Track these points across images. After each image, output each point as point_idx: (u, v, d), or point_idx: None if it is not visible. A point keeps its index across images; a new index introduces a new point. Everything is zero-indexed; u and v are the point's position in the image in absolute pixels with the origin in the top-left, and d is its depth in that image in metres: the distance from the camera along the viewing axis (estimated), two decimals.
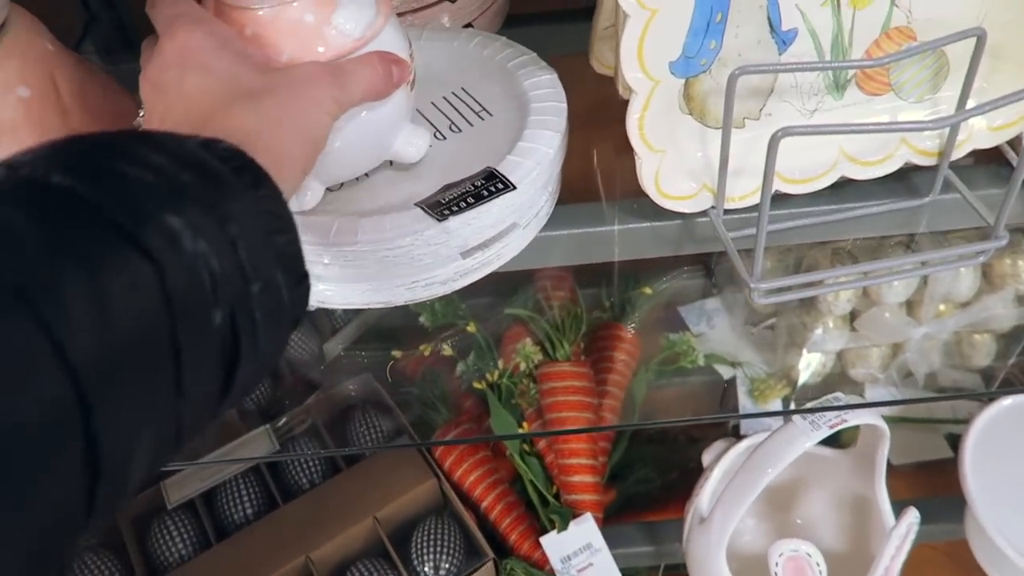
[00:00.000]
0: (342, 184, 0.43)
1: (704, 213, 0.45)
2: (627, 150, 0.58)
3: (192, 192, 0.24)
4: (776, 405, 0.77)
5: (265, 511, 0.69)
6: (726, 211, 0.45)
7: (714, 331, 0.83)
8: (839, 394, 0.58)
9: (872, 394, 0.77)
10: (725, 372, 0.80)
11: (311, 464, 0.71)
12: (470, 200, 0.40)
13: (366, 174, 0.44)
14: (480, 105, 0.49)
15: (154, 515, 0.69)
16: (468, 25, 0.59)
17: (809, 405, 0.56)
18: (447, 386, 0.74)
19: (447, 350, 0.74)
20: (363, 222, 0.40)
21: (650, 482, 0.86)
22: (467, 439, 0.68)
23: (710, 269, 0.80)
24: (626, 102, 0.51)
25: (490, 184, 0.41)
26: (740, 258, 0.43)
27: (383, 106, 0.39)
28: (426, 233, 0.39)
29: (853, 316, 0.71)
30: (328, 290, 0.41)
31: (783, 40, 0.41)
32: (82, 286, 0.20)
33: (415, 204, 0.41)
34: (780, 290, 0.43)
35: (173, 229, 0.22)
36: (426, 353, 0.73)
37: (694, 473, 0.80)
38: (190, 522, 0.68)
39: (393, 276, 0.41)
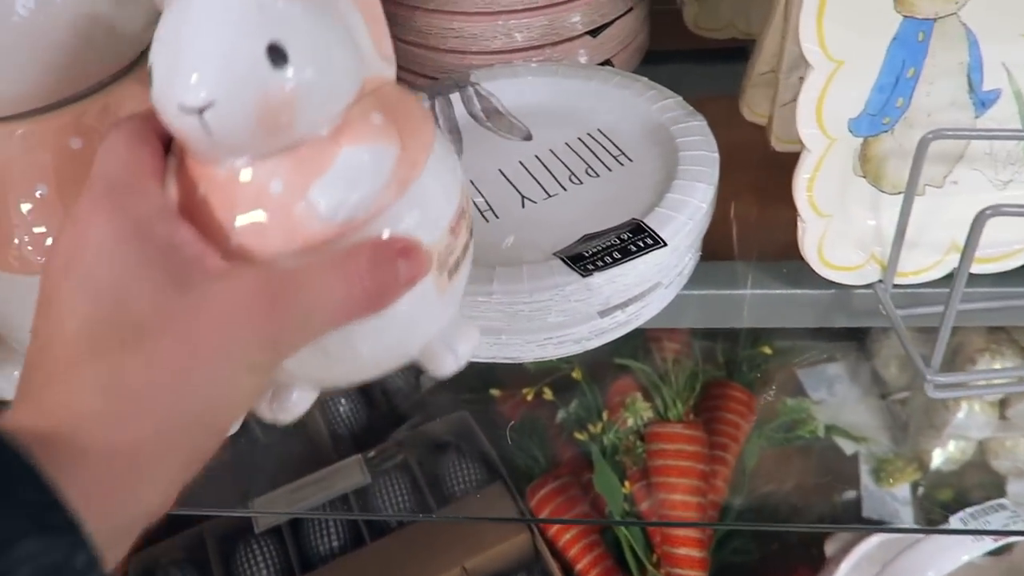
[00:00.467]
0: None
1: (867, 285, 0.41)
2: (776, 205, 0.54)
3: None
4: (904, 490, 0.70)
5: (351, 545, 0.67)
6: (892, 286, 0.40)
7: (835, 399, 0.77)
8: (1004, 501, 0.51)
9: (1015, 489, 0.69)
10: (847, 446, 0.74)
11: (401, 499, 0.69)
12: (616, 255, 0.37)
13: (495, 214, 0.42)
14: (619, 149, 0.46)
15: (240, 537, 0.68)
16: (606, 62, 0.56)
17: (970, 511, 0.50)
18: (546, 433, 0.71)
19: (549, 395, 0.71)
20: (499, 271, 0.37)
21: (747, 554, 0.80)
22: (578, 519, 0.64)
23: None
24: (777, 154, 0.48)
25: (637, 239, 0.38)
26: (910, 341, 0.38)
27: (394, 320, 0.25)
28: (567, 288, 0.36)
29: (1004, 403, 0.64)
30: None
31: (982, 101, 0.37)
32: None
33: (554, 254, 0.38)
34: (956, 385, 0.38)
35: None
36: (528, 398, 0.70)
37: (795, 550, 0.74)
38: (276, 549, 0.67)
39: (524, 331, 0.38)
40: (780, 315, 0.45)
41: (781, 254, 0.48)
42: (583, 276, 0.36)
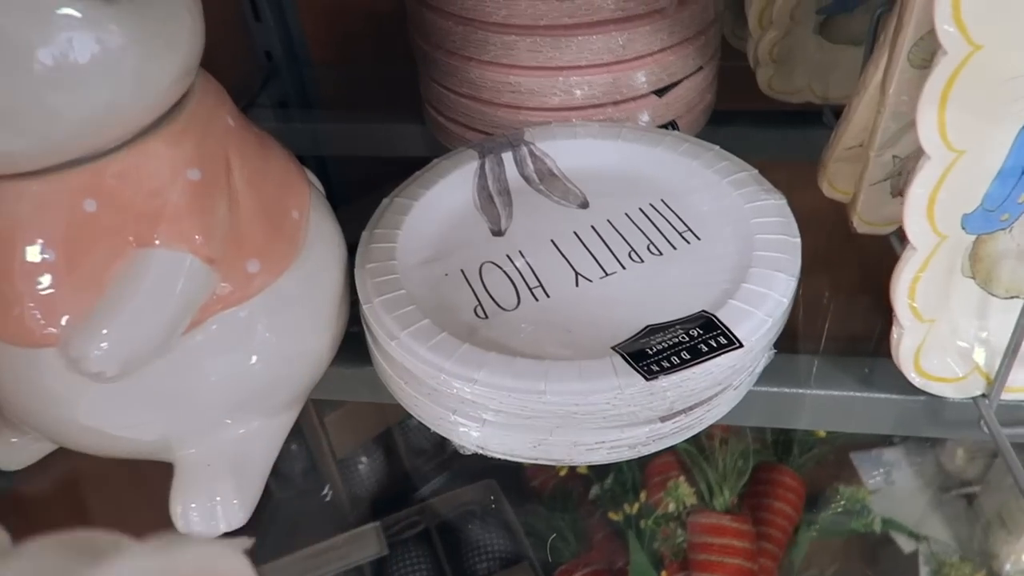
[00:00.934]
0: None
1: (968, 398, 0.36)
2: (854, 291, 0.49)
3: None
4: None
5: None
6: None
7: (893, 488, 0.71)
8: None
9: None
10: (906, 544, 0.68)
11: (418, 573, 0.64)
12: (684, 356, 0.32)
13: (546, 292, 0.37)
14: (686, 225, 0.41)
15: None
16: (671, 123, 0.52)
17: None
18: (578, 510, 0.66)
19: (583, 468, 0.66)
20: (550, 367, 0.32)
21: None
22: None
23: None
24: (858, 236, 0.43)
25: (709, 337, 0.33)
26: (1021, 468, 0.33)
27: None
28: (628, 392, 0.31)
29: None
30: (492, 438, 0.34)
31: None
32: None
33: (614, 349, 0.33)
34: None
35: None
36: (561, 470, 0.65)
37: None
38: None
39: (575, 434, 0.33)
40: (858, 419, 0.40)
41: (858, 346, 0.43)
42: (647, 379, 0.31)
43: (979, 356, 0.35)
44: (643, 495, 0.63)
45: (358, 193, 0.65)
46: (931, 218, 0.31)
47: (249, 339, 0.33)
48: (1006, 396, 0.35)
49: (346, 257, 0.39)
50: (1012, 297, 0.34)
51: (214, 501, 0.33)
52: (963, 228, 0.32)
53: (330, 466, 0.67)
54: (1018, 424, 0.36)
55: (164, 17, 0.29)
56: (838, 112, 0.52)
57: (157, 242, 0.30)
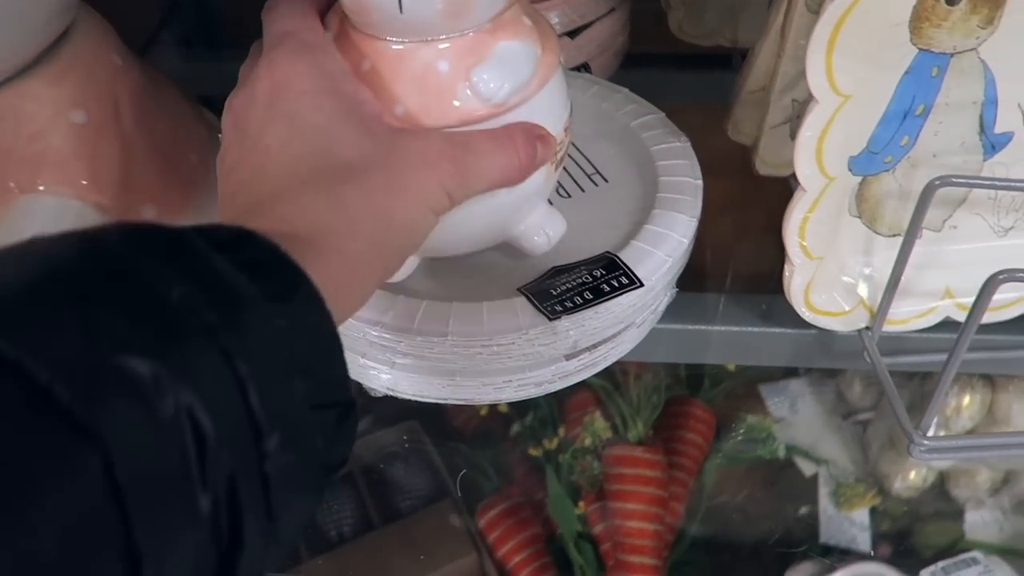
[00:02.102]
0: None
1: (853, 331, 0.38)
2: (755, 230, 0.51)
3: (184, 318, 0.16)
4: (863, 516, 0.69)
5: (288, 563, 0.63)
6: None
7: (797, 417, 0.75)
8: (977, 554, 0.49)
9: (972, 517, 0.68)
10: (807, 467, 0.72)
11: (343, 514, 0.65)
12: (587, 296, 0.33)
13: None
14: (594, 167, 0.42)
15: None
16: (583, 65, 0.52)
17: (942, 565, 0.48)
18: (500, 446, 0.68)
19: (503, 406, 0.67)
20: (455, 308, 0.33)
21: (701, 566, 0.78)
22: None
23: None
24: (761, 178, 0.45)
25: (611, 277, 0.34)
26: (896, 395, 0.36)
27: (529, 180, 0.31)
28: (531, 332, 0.32)
29: (969, 433, 0.62)
30: (402, 380, 0.35)
31: (992, 144, 0.34)
32: None
33: (519, 290, 0.34)
34: (944, 449, 0.35)
35: (138, 381, 0.15)
36: (482, 412, 0.67)
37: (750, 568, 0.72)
38: None
39: (482, 374, 0.34)
40: (757, 353, 0.42)
41: (758, 284, 0.45)
42: (549, 319, 0.32)
43: (863, 291, 0.37)
44: (561, 430, 0.65)
45: None
46: (820, 161, 0.32)
47: None
48: (888, 328, 0.37)
49: None
50: (894, 235, 0.36)
51: None
52: (850, 170, 0.33)
53: None
54: (899, 353, 0.39)
55: None
56: (746, 55, 0.53)
57: (41, 188, 0.28)
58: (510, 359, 0.33)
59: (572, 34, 0.50)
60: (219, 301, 0.17)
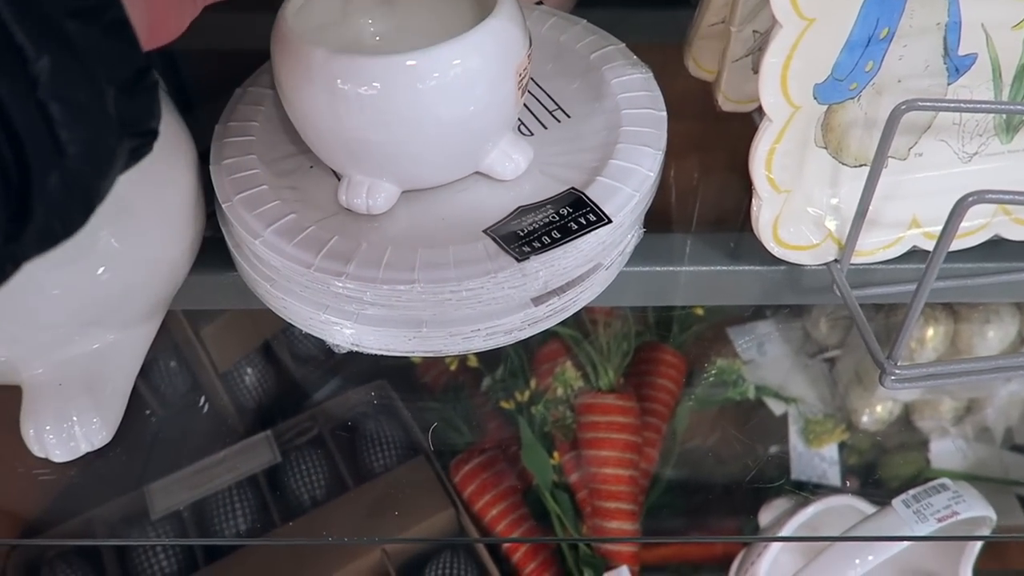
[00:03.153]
0: None
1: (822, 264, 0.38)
2: (720, 168, 0.50)
3: None
4: (832, 451, 0.70)
5: (261, 530, 0.62)
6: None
7: (766, 358, 0.76)
8: (946, 480, 0.50)
9: (937, 447, 0.70)
10: (776, 407, 0.73)
11: (315, 478, 0.64)
12: (555, 235, 0.32)
13: None
14: (555, 103, 0.41)
15: (135, 524, 0.62)
16: (539, 2, 0.50)
17: (912, 493, 0.48)
18: (471, 402, 0.67)
19: (473, 361, 0.67)
20: (422, 254, 0.32)
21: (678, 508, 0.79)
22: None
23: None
24: (724, 114, 0.44)
25: (579, 215, 0.33)
26: (867, 327, 0.35)
27: (480, 107, 0.32)
28: (499, 275, 0.31)
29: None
30: (367, 334, 0.33)
31: (956, 67, 0.33)
32: None
33: (485, 232, 0.33)
34: (915, 378, 0.35)
35: None
36: (451, 364, 0.66)
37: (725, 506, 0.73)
38: (176, 536, 0.61)
39: (450, 323, 0.33)
40: (727, 293, 0.42)
41: (725, 222, 0.44)
42: (518, 260, 0.31)
43: (831, 223, 0.36)
44: (533, 382, 0.65)
45: (214, 92, 0.60)
46: (785, 89, 0.31)
47: (91, 248, 0.31)
48: (857, 260, 0.37)
49: (196, 160, 0.36)
50: (860, 165, 0.35)
51: (70, 421, 0.31)
52: (815, 98, 0.33)
53: (212, 379, 0.65)
54: (867, 286, 0.38)
55: None
56: None
57: None
58: (480, 303, 0.32)
59: None
60: None
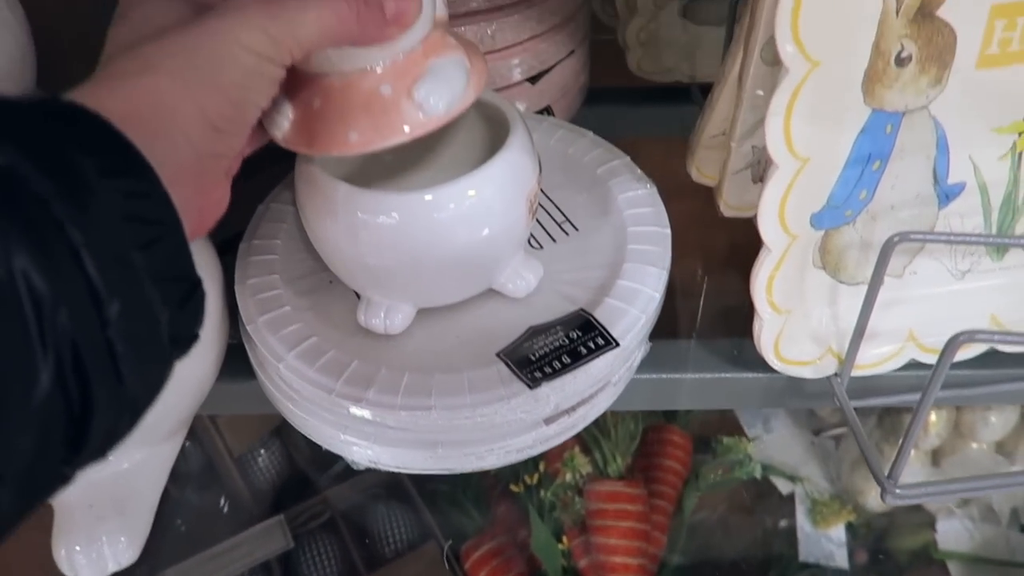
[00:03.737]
0: None
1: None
2: (722, 270, 0.52)
3: (13, 188, 0.17)
4: (839, 532, 0.70)
5: None
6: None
7: (772, 435, 0.77)
8: None
9: (944, 527, 0.70)
10: (783, 486, 0.74)
11: (327, 563, 0.65)
12: (565, 360, 0.34)
13: None
14: (563, 215, 0.42)
15: None
16: (546, 108, 0.52)
17: None
18: (481, 484, 0.68)
19: None
20: (438, 380, 0.33)
21: None
22: None
23: None
24: (726, 219, 0.45)
25: (587, 339, 0.35)
26: (868, 442, 0.36)
27: (493, 232, 0.33)
28: (512, 401, 0.33)
29: (937, 451, 0.64)
30: (384, 454, 0.35)
31: (946, 194, 0.35)
32: None
33: (498, 355, 0.34)
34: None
35: None
36: None
37: None
38: None
39: (464, 444, 0.34)
40: (730, 398, 0.43)
41: (728, 325, 0.46)
42: (530, 387, 0.33)
43: (831, 339, 0.37)
44: (542, 466, 0.66)
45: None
46: (783, 222, 0.33)
47: None
48: (856, 373, 0.38)
49: (220, 269, 0.38)
50: (858, 283, 0.37)
51: (99, 542, 0.32)
52: (812, 225, 0.34)
53: (227, 463, 0.66)
54: (868, 395, 0.40)
55: None
56: (704, 89, 0.54)
57: None
58: (492, 427, 0.33)
59: (534, 79, 0.51)
60: (49, 172, 0.18)
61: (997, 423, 0.60)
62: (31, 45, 0.29)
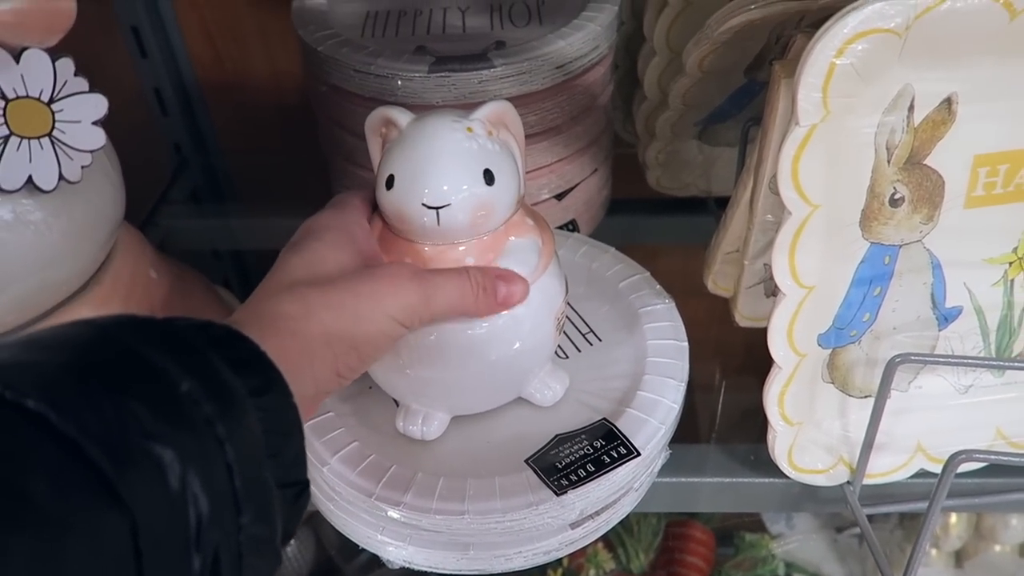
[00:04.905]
0: None
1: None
2: (739, 374, 0.54)
3: (190, 410, 0.21)
4: None
5: None
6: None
7: (794, 532, 0.77)
8: None
9: None
10: None
11: None
12: (589, 468, 0.36)
13: None
14: (588, 326, 0.45)
15: None
16: (571, 222, 0.56)
17: None
18: None
19: None
20: (471, 486, 0.36)
21: None
22: None
23: None
24: (740, 329, 0.48)
25: (611, 447, 0.37)
26: (879, 549, 0.38)
27: (524, 347, 0.36)
28: (540, 507, 0.35)
29: (960, 553, 0.64)
30: (418, 554, 0.37)
31: (945, 316, 0.38)
32: (28, 552, 0.17)
33: (526, 462, 0.37)
34: None
35: (159, 464, 0.19)
36: None
37: None
38: None
39: (494, 547, 0.36)
40: (748, 501, 0.45)
41: (745, 428, 0.48)
42: (557, 494, 0.35)
43: (842, 449, 0.40)
44: (566, 561, 0.67)
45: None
46: (791, 343, 0.36)
47: None
48: (868, 481, 0.40)
49: None
50: (866, 396, 0.39)
51: None
52: (819, 345, 0.37)
53: None
54: (881, 501, 0.41)
55: (90, 196, 0.31)
56: (719, 201, 0.57)
57: None
58: (521, 532, 0.36)
59: (560, 196, 0.55)
60: (215, 395, 0.21)
61: (1019, 526, 0.61)
62: (122, 187, 0.33)
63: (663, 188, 0.60)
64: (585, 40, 0.49)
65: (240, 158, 0.76)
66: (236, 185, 0.75)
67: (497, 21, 0.55)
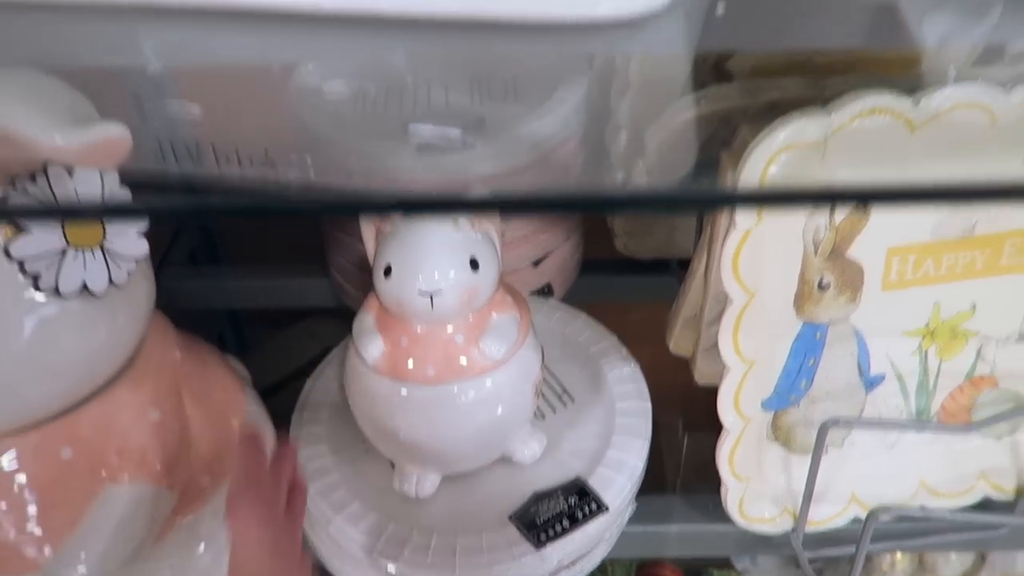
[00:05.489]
0: None
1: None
2: (700, 428, 0.59)
3: None
4: None
5: None
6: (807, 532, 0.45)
7: (758, 569, 0.82)
8: None
9: None
10: None
11: None
12: (565, 523, 0.41)
13: None
14: (562, 387, 0.50)
15: None
16: (547, 285, 0.61)
17: None
18: None
19: None
20: (461, 541, 0.40)
21: None
22: None
23: None
24: (701, 388, 0.53)
25: (583, 504, 0.42)
26: None
27: (505, 411, 0.41)
28: (522, 560, 0.40)
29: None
30: None
31: (870, 382, 0.43)
32: None
33: (509, 518, 0.42)
34: None
35: None
36: None
37: None
38: None
39: None
40: (709, 547, 0.50)
41: (706, 477, 0.53)
42: (536, 548, 0.40)
43: (786, 500, 0.45)
44: None
45: (269, 331, 0.70)
46: (738, 409, 0.41)
47: (212, 538, 0.39)
48: (809, 528, 0.45)
49: (273, 437, 0.46)
50: (806, 453, 0.44)
51: None
52: (763, 408, 0.42)
53: None
54: (823, 546, 0.47)
55: (131, 293, 0.35)
56: (682, 263, 0.63)
57: (126, 477, 0.36)
58: None
59: (536, 263, 0.60)
60: None
61: (957, 561, 0.66)
62: (154, 281, 0.38)
63: (630, 252, 0.65)
64: (558, 118, 0.54)
65: (235, 220, 0.80)
66: (227, 247, 0.79)
67: (477, 97, 0.60)
